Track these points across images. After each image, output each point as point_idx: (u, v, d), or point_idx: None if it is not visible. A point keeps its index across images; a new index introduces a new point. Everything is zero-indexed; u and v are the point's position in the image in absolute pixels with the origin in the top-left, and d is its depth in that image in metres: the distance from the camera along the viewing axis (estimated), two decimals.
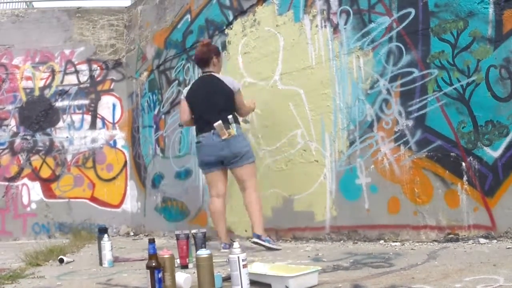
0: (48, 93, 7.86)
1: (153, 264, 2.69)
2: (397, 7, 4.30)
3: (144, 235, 7.18)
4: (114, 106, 7.94)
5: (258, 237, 4.45)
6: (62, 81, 7.90)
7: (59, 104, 7.86)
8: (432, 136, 4.06)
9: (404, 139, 4.23)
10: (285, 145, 5.16)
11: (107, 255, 4.05)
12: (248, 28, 5.60)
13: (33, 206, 7.68)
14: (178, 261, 3.62)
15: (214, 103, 4.65)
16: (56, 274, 3.73)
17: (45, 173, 7.74)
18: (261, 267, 3.06)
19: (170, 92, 6.82)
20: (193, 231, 3.95)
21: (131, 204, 7.77)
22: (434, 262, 3.13)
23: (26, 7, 9.02)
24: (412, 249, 3.79)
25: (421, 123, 4.13)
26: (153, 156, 7.20)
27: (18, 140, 7.76)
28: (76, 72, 7.93)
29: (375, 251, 3.85)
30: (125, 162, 7.88)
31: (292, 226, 5.07)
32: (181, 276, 2.90)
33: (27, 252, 4.58)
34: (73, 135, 7.83)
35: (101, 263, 4.08)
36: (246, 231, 5.50)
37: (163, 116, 7.00)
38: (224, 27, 5.91)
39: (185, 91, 4.90)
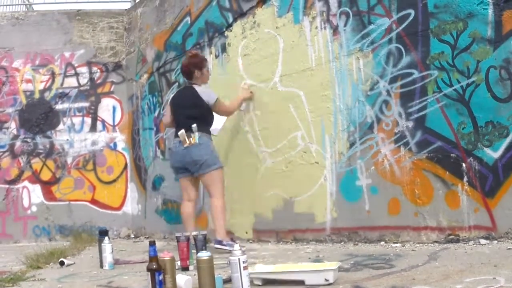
0: (48, 95, 7.87)
1: (154, 266, 2.69)
2: (396, 8, 4.31)
3: (145, 237, 7.18)
4: (114, 108, 7.94)
5: (219, 242, 4.70)
6: (62, 84, 7.90)
7: (59, 106, 7.86)
8: (432, 137, 4.06)
9: (404, 140, 4.23)
10: (285, 146, 5.16)
11: (108, 258, 4.05)
12: (248, 30, 5.60)
13: (34, 208, 7.68)
14: (178, 263, 3.62)
15: (184, 114, 4.95)
16: (57, 277, 3.73)
17: (46, 175, 7.74)
18: (265, 268, 3.07)
19: (170, 94, 6.81)
20: (194, 233, 3.95)
21: (131, 206, 7.77)
22: (435, 263, 3.13)
23: (26, 9, 9.02)
24: (412, 250, 3.79)
25: (421, 124, 4.13)
26: (153, 158, 7.20)
27: (18, 143, 7.76)
28: (76, 74, 7.93)
29: (375, 252, 3.85)
30: (126, 164, 7.88)
31: (293, 228, 5.07)
32: (181, 278, 2.90)
33: (27, 255, 4.58)
34: (73, 137, 7.83)
35: (101, 266, 4.08)
36: (246, 233, 5.50)
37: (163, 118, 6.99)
38: (224, 29, 5.91)
39: (171, 95, 5.31)
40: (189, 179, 5.00)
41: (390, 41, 4.35)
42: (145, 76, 7.43)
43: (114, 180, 7.83)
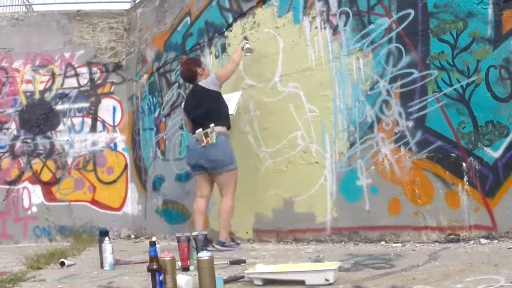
0: (48, 96, 7.87)
1: (154, 266, 2.69)
2: (396, 8, 4.31)
3: (145, 237, 7.18)
4: (114, 109, 7.94)
5: (222, 244, 4.82)
6: (62, 84, 7.90)
7: (59, 107, 7.86)
8: (432, 137, 4.06)
9: (405, 140, 4.23)
10: (285, 146, 5.16)
11: (108, 258, 4.05)
12: (248, 30, 5.60)
13: (34, 209, 7.68)
14: (179, 263, 3.62)
15: (201, 110, 5.02)
16: (57, 277, 3.73)
17: (46, 176, 7.74)
18: (265, 268, 3.07)
19: (170, 95, 6.82)
20: (194, 233, 3.95)
21: (132, 206, 7.77)
22: (435, 262, 3.13)
23: (26, 10, 9.02)
24: (413, 250, 3.79)
25: (421, 124, 4.13)
26: (153, 158, 7.20)
27: (18, 144, 7.76)
28: (76, 75, 7.93)
29: (376, 252, 3.85)
30: (126, 165, 7.88)
31: (293, 228, 5.07)
32: (182, 279, 2.90)
33: (28, 256, 4.58)
34: (73, 138, 7.83)
35: (102, 266, 4.08)
36: (247, 233, 5.50)
37: (163, 119, 7.00)
38: (224, 29, 5.91)
39: (183, 104, 5.40)
40: (204, 176, 5.05)
41: (390, 40, 4.35)
42: (145, 76, 7.43)
43: (114, 181, 7.84)
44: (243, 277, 3.09)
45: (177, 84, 6.69)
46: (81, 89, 7.91)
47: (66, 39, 7.98)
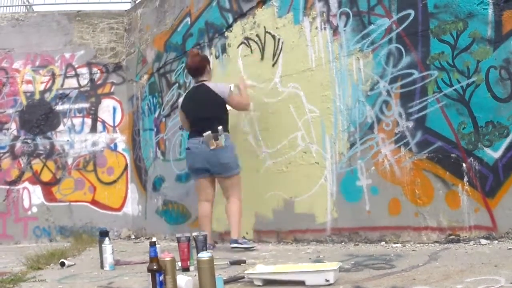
0: (48, 96, 7.87)
1: (154, 267, 2.69)
2: (396, 8, 4.31)
3: (145, 238, 7.18)
4: (114, 109, 7.94)
5: (235, 241, 4.71)
6: (62, 85, 7.90)
7: (59, 107, 7.86)
8: (432, 137, 4.06)
9: (405, 141, 4.23)
10: (285, 147, 5.16)
11: (108, 258, 4.04)
12: (248, 31, 5.60)
13: (34, 209, 7.68)
14: (179, 263, 3.62)
15: (205, 113, 4.90)
16: (58, 278, 3.73)
17: (46, 176, 7.74)
18: (266, 269, 3.07)
19: (171, 95, 6.82)
20: (194, 234, 3.95)
21: (132, 207, 7.77)
22: (435, 263, 3.13)
23: (26, 10, 9.03)
24: (413, 250, 3.79)
25: (421, 125, 4.13)
26: (153, 159, 7.20)
27: (18, 144, 7.76)
28: (77, 75, 7.93)
29: (376, 252, 3.85)
30: (126, 165, 7.88)
31: (293, 228, 5.07)
32: (182, 279, 2.90)
33: (28, 256, 4.58)
34: (73, 138, 7.83)
35: (102, 267, 4.08)
36: (247, 233, 5.50)
37: (163, 119, 7.00)
38: (224, 30, 5.91)
39: (180, 100, 5.25)
40: (209, 179, 5.00)
41: (390, 41, 4.35)
42: (145, 77, 7.43)
43: (115, 181, 7.83)
44: (243, 277, 3.09)
45: (177, 84, 6.69)
46: (81, 89, 7.91)
47: (66, 39, 7.98)
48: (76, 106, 7.89)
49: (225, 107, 5.02)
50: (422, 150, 4.11)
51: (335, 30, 4.77)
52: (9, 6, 9.09)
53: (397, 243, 4.17)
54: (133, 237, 7.56)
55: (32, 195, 7.69)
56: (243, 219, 5.45)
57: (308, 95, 4.98)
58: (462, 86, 3.90)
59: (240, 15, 5.70)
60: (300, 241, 4.97)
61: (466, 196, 3.85)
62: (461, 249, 3.56)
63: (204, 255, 2.77)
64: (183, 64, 6.55)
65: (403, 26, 4.26)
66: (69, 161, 7.78)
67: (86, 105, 7.90)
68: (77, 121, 7.87)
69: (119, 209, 7.80)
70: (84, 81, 7.93)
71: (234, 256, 4.23)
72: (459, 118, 3.91)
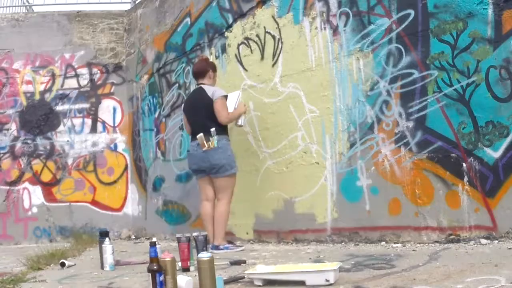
0: (48, 97, 7.87)
1: (155, 267, 2.69)
2: (396, 8, 4.31)
3: (145, 238, 7.18)
4: (114, 109, 7.94)
5: (216, 247, 4.73)
6: (62, 85, 7.90)
7: (59, 108, 7.86)
8: (432, 137, 4.06)
9: (405, 141, 4.23)
10: (285, 147, 5.16)
11: (109, 259, 4.04)
12: (248, 31, 5.60)
13: (34, 210, 7.68)
14: (179, 264, 3.62)
15: (198, 115, 5.01)
16: (58, 278, 3.73)
17: (46, 177, 7.75)
18: (266, 269, 3.08)
19: (171, 95, 6.82)
20: (194, 234, 3.96)
21: (132, 207, 7.77)
22: (436, 263, 3.13)
23: (26, 11, 9.03)
24: (413, 250, 3.79)
25: (421, 124, 4.13)
26: (154, 159, 7.20)
27: (19, 144, 7.76)
28: (77, 76, 7.93)
29: (376, 252, 3.85)
30: (126, 165, 7.88)
31: (293, 228, 5.07)
32: (182, 279, 2.90)
33: (28, 256, 4.58)
34: (73, 139, 7.83)
35: (102, 267, 4.08)
36: (247, 233, 5.50)
37: (163, 119, 7.00)
38: (224, 30, 5.91)
39: (183, 104, 5.38)
40: (207, 180, 5.02)
41: (390, 41, 4.35)
42: (145, 77, 7.43)
43: (115, 181, 7.83)
44: (243, 277, 3.09)
45: (177, 84, 6.69)
46: (81, 89, 7.91)
47: (66, 39, 7.98)
48: (76, 106, 7.89)
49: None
50: (422, 150, 4.11)
51: (335, 30, 4.77)
52: (9, 6, 9.09)
53: (397, 243, 4.16)
54: (133, 237, 7.56)
55: (32, 196, 7.70)
56: (244, 219, 5.48)
57: (308, 95, 4.98)
58: (462, 86, 3.90)
59: (240, 15, 5.70)
60: (300, 241, 4.97)
61: (466, 196, 3.85)
62: (461, 249, 3.56)
63: (204, 255, 2.77)
64: (183, 65, 6.56)
65: (403, 26, 4.25)
66: (69, 161, 7.78)
67: (86, 105, 7.90)
68: (77, 121, 7.87)
69: (119, 210, 7.80)
70: (84, 81, 7.93)
71: (234, 256, 4.23)
72: (459, 118, 3.91)
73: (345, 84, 4.67)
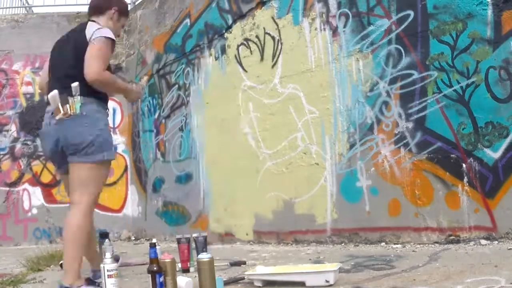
0: None
1: (155, 268, 2.69)
2: (396, 9, 4.31)
3: (145, 239, 7.18)
4: (114, 110, 7.94)
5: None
6: None
7: None
8: (432, 138, 4.06)
9: (404, 141, 4.23)
10: (285, 148, 5.16)
11: None
12: (248, 32, 5.60)
13: (34, 211, 7.68)
14: (179, 265, 3.62)
15: (61, 63, 3.23)
16: (58, 279, 3.72)
17: (46, 178, 7.75)
18: (265, 270, 3.08)
19: (170, 96, 6.82)
20: (194, 235, 3.95)
21: (132, 208, 7.77)
22: (436, 263, 3.14)
23: (26, 12, 9.03)
24: (413, 251, 3.79)
25: (421, 125, 4.13)
26: (153, 160, 7.20)
27: (18, 146, 7.76)
28: None
29: (376, 253, 3.85)
30: (126, 166, 7.88)
31: (293, 229, 5.06)
32: (182, 280, 2.90)
33: (28, 257, 4.58)
34: None
35: None
36: (247, 234, 5.50)
37: (163, 121, 7.00)
38: (224, 31, 5.92)
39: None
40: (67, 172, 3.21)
41: (389, 42, 4.35)
42: (145, 78, 7.43)
43: (115, 183, 7.83)
44: (243, 278, 3.09)
45: (177, 86, 6.69)
46: None
47: None
48: None
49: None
50: (422, 151, 4.11)
51: (334, 31, 4.77)
52: (9, 7, 9.09)
53: (397, 243, 4.17)
54: (133, 238, 7.56)
55: (32, 197, 7.69)
56: (243, 220, 5.44)
57: (307, 96, 4.98)
58: (461, 87, 3.90)
59: (240, 16, 5.70)
60: (300, 242, 4.97)
61: (466, 197, 3.85)
62: (461, 250, 3.56)
63: (204, 256, 2.77)
64: (183, 66, 6.56)
65: (402, 26, 4.26)
66: None
67: None
68: None
69: (119, 211, 7.79)
70: None
71: (234, 257, 4.23)
72: (459, 118, 3.91)
73: (345, 85, 4.67)
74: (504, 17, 3.69)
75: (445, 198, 3.97)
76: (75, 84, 3.06)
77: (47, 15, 8.16)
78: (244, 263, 3.81)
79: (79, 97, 3.07)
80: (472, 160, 3.83)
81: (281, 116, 5.20)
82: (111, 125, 7.88)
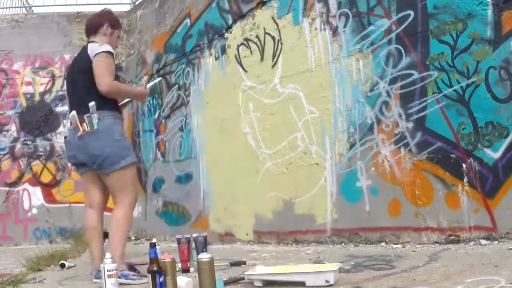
0: (48, 98, 7.87)
1: (155, 268, 2.69)
2: (396, 9, 4.31)
3: (145, 239, 7.17)
4: None
5: (125, 276, 3.41)
6: (62, 86, 7.88)
7: (59, 109, 7.85)
8: (432, 138, 4.06)
9: (405, 141, 4.23)
10: (285, 148, 5.16)
11: None
12: (248, 32, 5.60)
13: (34, 211, 7.68)
14: (179, 265, 3.62)
15: (75, 85, 3.71)
16: (58, 279, 3.73)
17: (46, 178, 7.74)
18: (266, 270, 3.08)
19: (170, 96, 6.82)
20: (194, 235, 3.95)
21: None
22: (436, 263, 3.14)
23: (26, 12, 9.03)
24: (413, 251, 3.79)
25: (421, 125, 4.13)
26: (153, 160, 7.20)
27: (18, 145, 7.76)
28: None
29: (376, 253, 3.86)
30: None
31: (293, 229, 5.06)
32: (182, 280, 2.90)
33: (28, 257, 4.59)
34: None
35: None
36: (247, 234, 5.49)
37: (163, 120, 7.00)
38: (224, 31, 5.92)
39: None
40: (90, 177, 3.78)
41: (389, 42, 4.35)
42: (145, 78, 7.40)
43: None
44: (243, 278, 3.09)
45: (177, 86, 6.69)
46: None
47: (66, 40, 7.97)
48: None
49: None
50: (422, 151, 4.11)
51: (334, 31, 4.77)
52: (9, 7, 9.09)
53: (397, 243, 4.16)
54: (133, 238, 7.55)
55: (32, 197, 7.69)
56: (243, 220, 5.45)
57: (307, 96, 4.98)
58: (461, 87, 3.90)
59: (240, 16, 5.70)
60: (300, 242, 4.97)
61: (466, 197, 3.85)
62: (461, 250, 3.56)
63: (204, 256, 2.77)
64: (183, 66, 6.56)
65: (402, 26, 4.26)
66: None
67: None
68: None
69: None
70: None
71: (234, 257, 4.23)
72: (459, 118, 3.91)
73: (345, 85, 4.67)
74: (504, 17, 3.69)
75: (445, 198, 3.97)
76: (91, 104, 3.51)
77: (47, 15, 8.16)
78: (244, 263, 3.82)
79: (96, 114, 3.51)
80: (472, 160, 3.83)
81: (281, 116, 5.20)
82: None
